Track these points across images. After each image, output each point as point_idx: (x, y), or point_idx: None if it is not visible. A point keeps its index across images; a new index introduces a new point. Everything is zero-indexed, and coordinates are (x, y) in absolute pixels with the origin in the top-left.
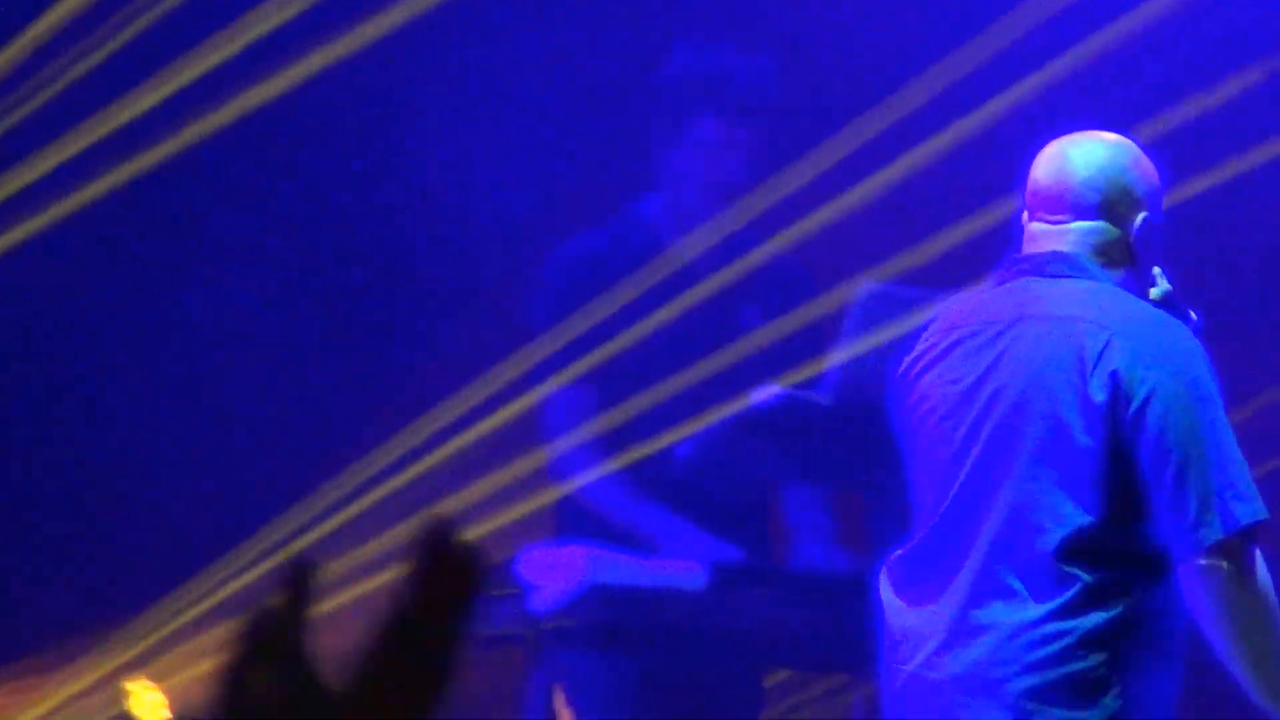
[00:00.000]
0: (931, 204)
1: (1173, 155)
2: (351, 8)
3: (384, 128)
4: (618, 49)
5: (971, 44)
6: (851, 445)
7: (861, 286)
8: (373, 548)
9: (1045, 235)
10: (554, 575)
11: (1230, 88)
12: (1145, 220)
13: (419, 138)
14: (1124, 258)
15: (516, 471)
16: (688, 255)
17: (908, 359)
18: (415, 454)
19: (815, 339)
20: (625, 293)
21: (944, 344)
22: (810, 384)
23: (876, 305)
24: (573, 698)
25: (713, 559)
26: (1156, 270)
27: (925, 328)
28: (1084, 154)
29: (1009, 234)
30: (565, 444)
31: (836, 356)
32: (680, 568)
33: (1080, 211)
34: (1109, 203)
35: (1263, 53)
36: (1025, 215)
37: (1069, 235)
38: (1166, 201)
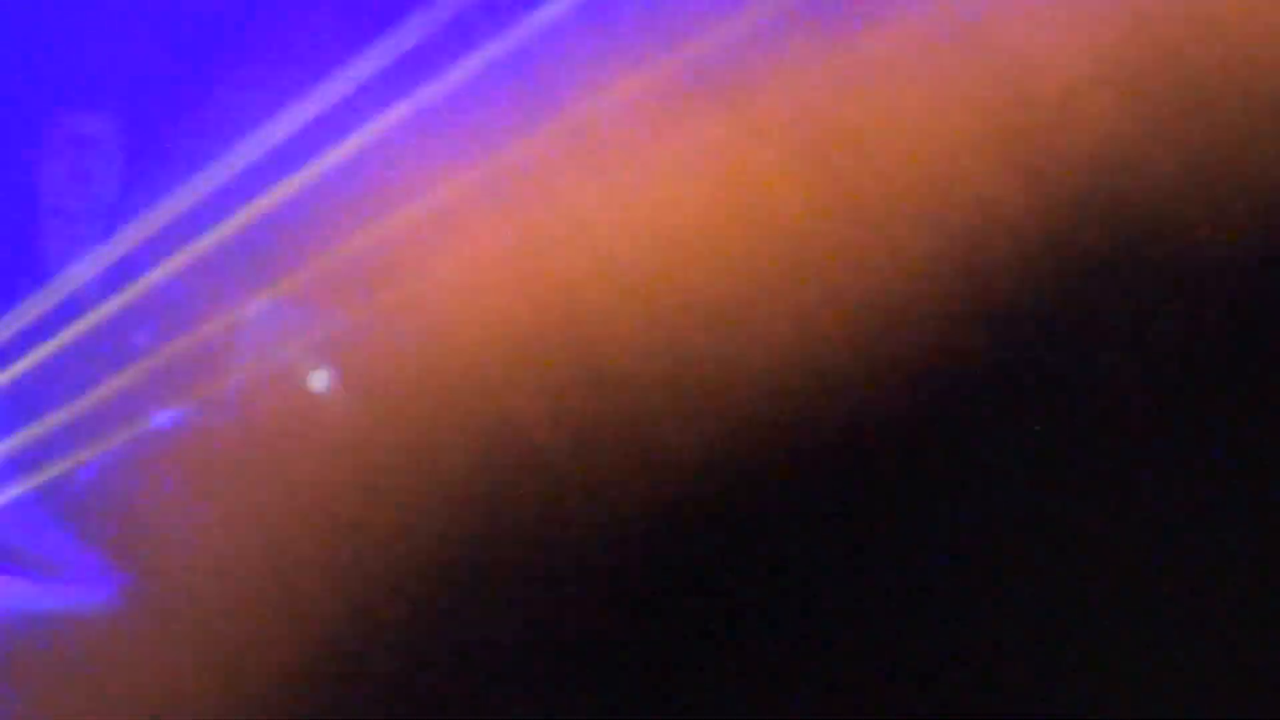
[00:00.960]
0: (312, 226)
1: None
2: None
3: None
4: None
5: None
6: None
7: (252, 307)
8: None
9: None
10: None
11: None
12: None
13: None
14: None
15: None
16: (78, 280)
17: None
18: None
19: (208, 359)
20: (21, 318)
21: None
22: (208, 405)
23: (267, 324)
24: None
25: (116, 581)
26: None
27: None
28: None
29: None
30: None
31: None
32: (78, 591)
33: None
34: None
35: None
36: None
37: None
38: None
